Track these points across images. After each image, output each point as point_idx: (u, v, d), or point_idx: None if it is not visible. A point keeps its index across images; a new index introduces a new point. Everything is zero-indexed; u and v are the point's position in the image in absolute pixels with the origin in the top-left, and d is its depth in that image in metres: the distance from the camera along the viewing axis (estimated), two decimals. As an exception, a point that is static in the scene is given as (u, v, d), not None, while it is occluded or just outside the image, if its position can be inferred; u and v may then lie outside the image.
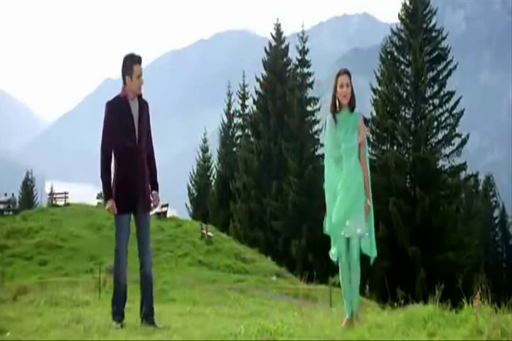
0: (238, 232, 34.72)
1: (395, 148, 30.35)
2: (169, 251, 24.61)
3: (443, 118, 30.17)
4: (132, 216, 5.15)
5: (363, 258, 4.84)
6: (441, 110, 30.28)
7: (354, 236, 4.81)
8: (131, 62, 5.02)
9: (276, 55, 38.50)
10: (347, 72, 4.81)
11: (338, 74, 4.80)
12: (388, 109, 30.47)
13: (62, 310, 6.38)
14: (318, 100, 36.73)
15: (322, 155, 25.56)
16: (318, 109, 36.46)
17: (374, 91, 31.07)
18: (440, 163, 29.80)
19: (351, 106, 4.79)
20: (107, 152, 5.03)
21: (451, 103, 30.25)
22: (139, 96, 5.12)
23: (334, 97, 4.82)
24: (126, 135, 4.98)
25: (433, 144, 29.93)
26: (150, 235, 5.21)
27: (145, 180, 5.10)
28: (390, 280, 17.25)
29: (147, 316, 5.03)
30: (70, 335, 4.38)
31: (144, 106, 5.12)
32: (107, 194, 5.04)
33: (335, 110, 4.80)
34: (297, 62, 37.96)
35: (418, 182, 28.66)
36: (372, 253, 4.91)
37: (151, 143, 5.25)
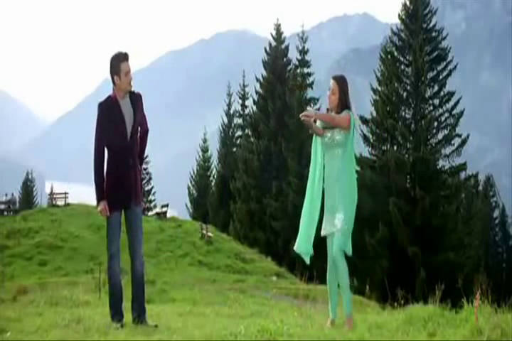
0: (238, 232, 34.71)
1: (395, 148, 30.32)
2: (169, 251, 24.62)
3: (443, 119, 30.14)
4: (123, 214, 5.12)
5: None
6: (441, 110, 30.25)
7: (333, 232, 4.70)
8: (117, 61, 4.97)
9: (276, 55, 38.49)
10: (335, 78, 4.76)
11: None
12: (388, 109, 30.44)
13: (62, 310, 6.37)
14: (318, 100, 36.74)
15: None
16: (318, 109, 36.40)
17: (374, 91, 31.04)
18: (440, 163, 29.78)
19: (337, 113, 4.75)
20: (99, 153, 5.02)
21: (451, 103, 30.21)
22: (131, 92, 5.07)
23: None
24: (117, 134, 4.97)
25: (433, 144, 29.91)
26: (142, 232, 5.15)
27: (137, 176, 5.09)
28: (390, 280, 17.22)
29: (139, 315, 5.02)
30: (70, 335, 4.38)
31: (135, 100, 5.06)
32: (99, 195, 5.02)
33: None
34: (297, 63, 37.94)
35: (418, 182, 28.64)
36: (348, 250, 4.76)
37: (146, 126, 5.20)
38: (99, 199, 5.02)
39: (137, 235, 5.11)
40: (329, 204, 4.73)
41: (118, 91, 5.02)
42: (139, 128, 5.13)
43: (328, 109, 4.86)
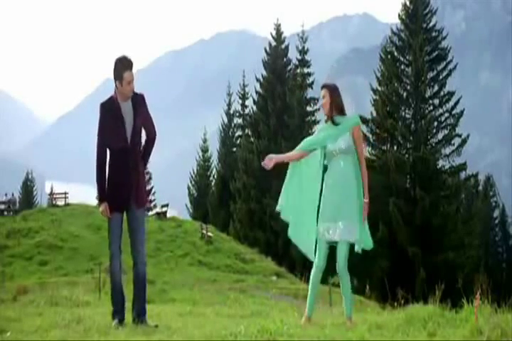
0: (238, 232, 34.70)
1: (395, 148, 30.35)
2: (169, 251, 24.64)
3: (443, 119, 30.18)
4: (125, 215, 5.14)
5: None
6: (441, 110, 30.29)
7: (343, 241, 4.72)
8: (121, 68, 4.93)
9: (276, 55, 38.47)
10: (324, 86, 4.83)
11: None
12: (388, 109, 30.46)
13: (62, 310, 6.37)
14: (318, 100, 36.74)
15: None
16: (318, 109, 36.48)
17: (374, 91, 31.07)
18: (440, 163, 29.81)
19: (331, 117, 4.81)
20: (100, 154, 5.02)
21: (451, 103, 30.26)
22: (134, 93, 5.04)
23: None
24: (117, 135, 4.96)
25: (433, 144, 29.94)
26: (144, 233, 5.15)
27: (138, 179, 5.08)
28: (390, 280, 17.25)
29: (139, 315, 5.04)
30: (70, 335, 4.37)
31: (137, 103, 5.03)
32: (101, 196, 5.06)
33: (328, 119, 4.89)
34: (297, 62, 37.96)
35: (418, 182, 28.66)
36: (368, 244, 4.86)
37: (154, 130, 5.19)
38: (100, 199, 5.05)
39: (137, 236, 5.10)
40: (337, 210, 4.76)
41: (119, 94, 5.02)
42: (146, 133, 5.13)
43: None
